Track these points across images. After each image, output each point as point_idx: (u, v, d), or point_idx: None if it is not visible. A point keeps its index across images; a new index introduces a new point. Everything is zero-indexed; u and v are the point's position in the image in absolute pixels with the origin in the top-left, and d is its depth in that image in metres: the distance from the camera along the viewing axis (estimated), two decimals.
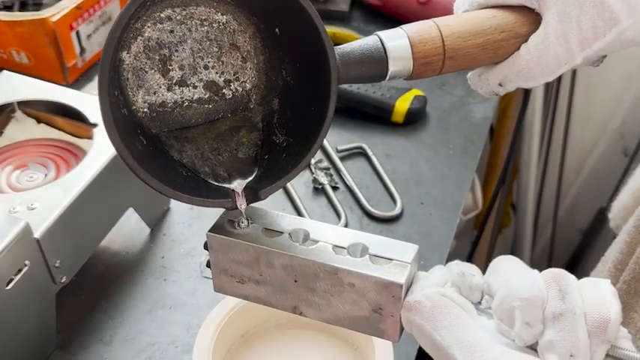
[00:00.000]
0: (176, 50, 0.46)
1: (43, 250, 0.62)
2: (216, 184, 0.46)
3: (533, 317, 0.39)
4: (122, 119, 0.43)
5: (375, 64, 0.47)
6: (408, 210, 0.86)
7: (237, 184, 0.46)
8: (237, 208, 0.45)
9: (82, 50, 1.01)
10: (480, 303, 0.43)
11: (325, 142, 0.93)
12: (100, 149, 0.70)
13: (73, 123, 0.76)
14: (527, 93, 1.31)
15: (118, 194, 0.73)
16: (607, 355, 0.39)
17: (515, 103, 1.43)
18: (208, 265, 0.49)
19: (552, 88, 1.53)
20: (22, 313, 0.63)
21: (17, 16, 0.96)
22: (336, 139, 0.94)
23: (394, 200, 0.87)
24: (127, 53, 0.45)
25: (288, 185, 0.87)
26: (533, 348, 0.40)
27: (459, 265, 0.44)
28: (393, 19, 1.13)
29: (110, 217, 0.74)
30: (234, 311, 0.66)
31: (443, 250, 0.82)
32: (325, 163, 0.91)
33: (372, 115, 0.97)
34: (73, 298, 0.74)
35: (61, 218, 0.64)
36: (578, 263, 1.65)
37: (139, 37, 0.45)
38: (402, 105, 0.96)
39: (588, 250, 1.65)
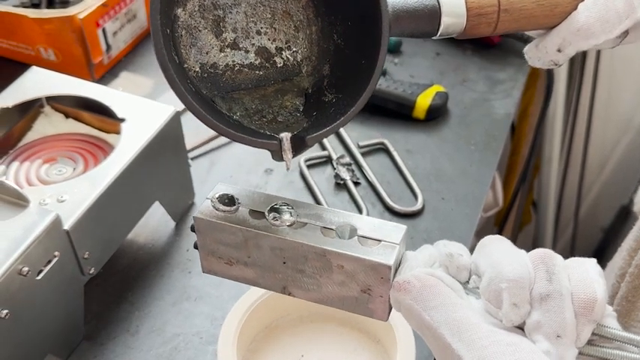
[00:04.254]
0: (230, 12, 0.47)
1: (73, 241, 0.64)
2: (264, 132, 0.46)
3: (520, 298, 0.39)
4: (173, 63, 0.43)
5: (427, 16, 0.46)
6: (429, 205, 0.87)
7: (285, 133, 0.45)
8: (282, 157, 0.44)
9: (108, 47, 1.03)
10: (467, 282, 0.43)
11: (347, 138, 0.94)
12: (128, 144, 0.72)
13: (101, 118, 0.78)
14: (549, 90, 1.30)
15: (145, 188, 0.75)
16: (593, 334, 0.40)
17: (537, 100, 1.43)
18: (196, 247, 0.49)
19: (574, 85, 1.53)
20: (51, 303, 0.64)
21: (45, 13, 0.98)
22: (357, 135, 0.95)
23: (415, 196, 0.88)
24: (183, 10, 0.46)
25: (311, 180, 0.88)
26: (520, 328, 0.40)
27: (446, 246, 0.44)
28: None
29: (137, 211, 0.75)
30: (258, 304, 0.67)
31: (464, 245, 0.82)
32: (347, 159, 0.91)
33: (394, 112, 0.98)
34: (100, 289, 0.76)
35: (90, 210, 0.65)
36: (601, 261, 1.64)
37: None
38: (424, 101, 0.97)
39: (610, 249, 1.64)
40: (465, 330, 0.39)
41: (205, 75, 0.47)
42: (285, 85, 0.49)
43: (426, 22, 0.47)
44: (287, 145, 0.44)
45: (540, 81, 1.40)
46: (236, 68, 0.48)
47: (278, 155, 0.45)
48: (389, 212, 0.86)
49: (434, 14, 0.47)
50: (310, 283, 0.47)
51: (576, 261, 0.42)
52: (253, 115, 0.47)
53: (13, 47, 1.03)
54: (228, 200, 0.47)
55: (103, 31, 1.00)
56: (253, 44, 0.48)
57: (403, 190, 0.89)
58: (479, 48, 1.12)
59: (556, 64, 0.52)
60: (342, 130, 0.94)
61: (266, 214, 0.46)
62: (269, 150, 0.45)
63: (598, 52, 1.45)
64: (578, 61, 1.49)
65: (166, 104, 0.76)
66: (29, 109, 0.78)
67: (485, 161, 0.94)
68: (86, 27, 0.97)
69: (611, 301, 0.66)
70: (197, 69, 0.47)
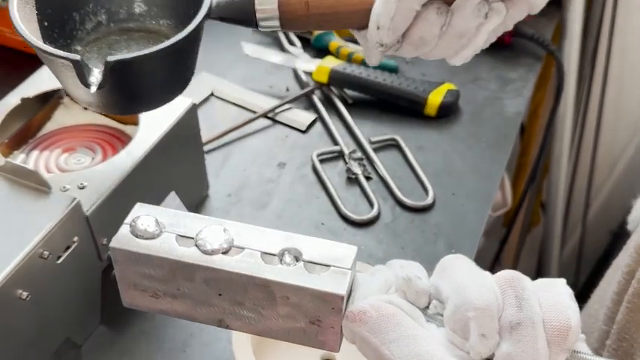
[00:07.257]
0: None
1: (92, 227, 0.65)
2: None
3: (489, 328, 0.36)
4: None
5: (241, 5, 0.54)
6: (439, 200, 0.88)
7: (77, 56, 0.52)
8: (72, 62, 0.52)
9: None
10: (427, 308, 0.40)
11: (359, 134, 0.95)
12: (146, 135, 0.73)
13: None
14: (559, 92, 1.31)
15: (161, 179, 0.76)
16: None
17: (547, 101, 1.44)
18: (114, 278, 0.43)
19: (584, 87, 1.53)
20: (70, 287, 0.66)
21: None
22: (369, 130, 0.96)
23: (426, 191, 0.89)
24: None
25: (323, 174, 0.89)
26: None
27: (403, 268, 0.40)
28: None
29: (153, 201, 0.76)
30: None
31: (473, 239, 0.84)
32: (359, 154, 0.93)
33: (405, 108, 0.99)
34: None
35: (109, 198, 0.67)
36: (608, 263, 1.64)
37: None
38: (435, 98, 0.98)
39: (618, 251, 1.64)
40: None
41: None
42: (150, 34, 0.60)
43: (241, 12, 0.54)
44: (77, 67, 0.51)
45: (550, 82, 1.41)
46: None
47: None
48: (400, 206, 0.87)
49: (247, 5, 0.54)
50: (251, 315, 0.41)
51: (546, 283, 0.39)
52: (100, 50, 0.57)
53: None
54: (150, 225, 0.41)
55: None
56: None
57: (414, 185, 0.90)
58: (490, 48, 1.11)
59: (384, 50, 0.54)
60: (354, 126, 0.95)
61: (196, 239, 0.41)
62: (69, 60, 0.52)
63: (608, 54, 1.46)
64: (588, 63, 1.50)
65: (184, 96, 0.78)
66: (49, 100, 0.80)
67: (496, 158, 0.95)
68: None
69: (618, 299, 0.65)
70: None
